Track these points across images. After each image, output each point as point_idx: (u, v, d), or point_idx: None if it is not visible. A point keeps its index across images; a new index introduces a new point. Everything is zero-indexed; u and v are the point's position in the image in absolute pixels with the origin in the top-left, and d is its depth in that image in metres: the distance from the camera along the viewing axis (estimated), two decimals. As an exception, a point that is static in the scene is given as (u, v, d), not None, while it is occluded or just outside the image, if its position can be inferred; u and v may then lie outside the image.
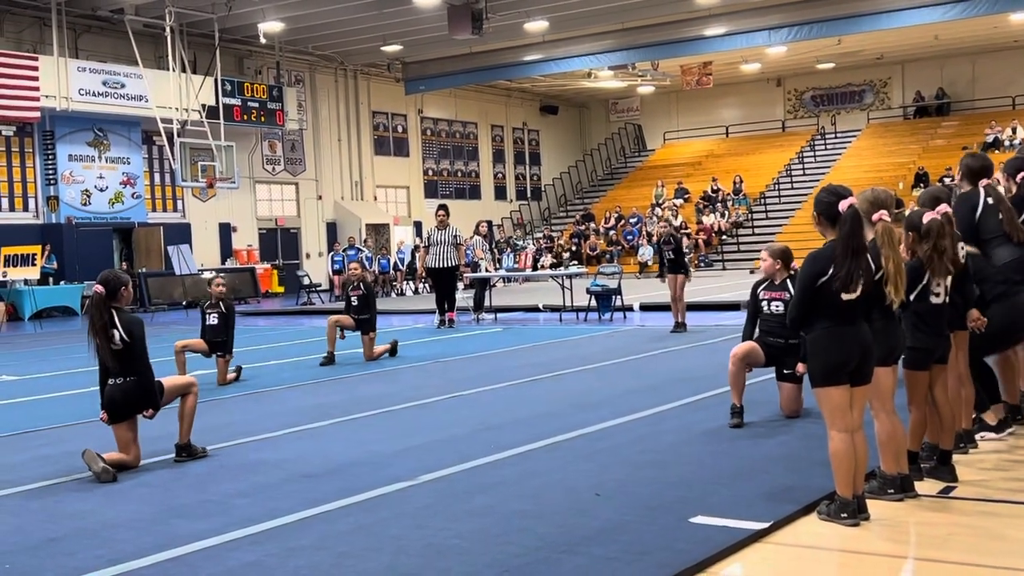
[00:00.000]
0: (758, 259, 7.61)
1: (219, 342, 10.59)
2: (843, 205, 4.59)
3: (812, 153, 37.35)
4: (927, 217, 5.11)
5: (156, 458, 6.77)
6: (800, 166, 36.42)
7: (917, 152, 34.64)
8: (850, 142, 37.59)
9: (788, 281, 7.25)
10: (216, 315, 10.65)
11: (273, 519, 5.11)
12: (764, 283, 7.49)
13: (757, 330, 7.48)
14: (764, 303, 7.39)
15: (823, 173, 34.62)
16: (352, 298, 12.43)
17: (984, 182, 6.24)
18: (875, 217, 4.75)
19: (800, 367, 6.98)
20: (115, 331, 6.42)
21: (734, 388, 7.15)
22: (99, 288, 6.47)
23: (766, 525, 4.64)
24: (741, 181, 35.05)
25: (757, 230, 32.53)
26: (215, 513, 5.32)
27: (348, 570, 4.31)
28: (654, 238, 9.92)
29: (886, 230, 4.71)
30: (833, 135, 38.21)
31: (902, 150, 35.26)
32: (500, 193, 40.11)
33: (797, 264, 7.12)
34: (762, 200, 34.45)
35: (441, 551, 4.52)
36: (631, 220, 34.03)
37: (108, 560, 4.56)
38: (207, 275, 22.08)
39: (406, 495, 5.54)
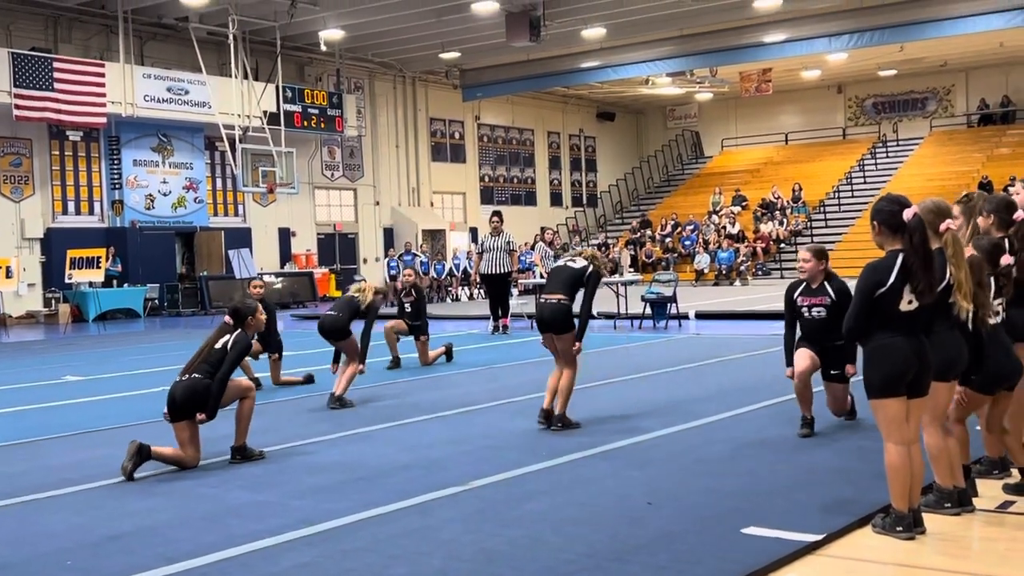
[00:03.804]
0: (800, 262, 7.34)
1: (273, 343, 10.68)
2: (907, 214, 4.52)
3: (873, 161, 36.84)
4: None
5: (215, 459, 6.89)
6: (861, 174, 35.92)
7: (981, 161, 33.99)
8: (912, 150, 37.00)
9: (826, 284, 7.05)
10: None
11: (327, 521, 5.18)
12: (799, 287, 7.20)
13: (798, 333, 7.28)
14: (804, 309, 7.10)
15: (884, 181, 34.12)
16: (405, 304, 12.55)
17: None
18: (943, 227, 4.69)
19: (850, 368, 6.86)
20: (227, 337, 6.80)
21: (802, 402, 7.07)
22: (228, 319, 6.92)
23: (819, 537, 4.61)
24: (800, 189, 34.67)
25: (816, 238, 32.12)
26: (271, 514, 5.40)
27: (398, 573, 4.36)
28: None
29: (954, 239, 4.65)
30: (895, 143, 37.65)
31: (966, 158, 34.62)
32: (556, 199, 40.11)
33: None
34: (822, 208, 34.05)
35: (492, 556, 4.54)
36: (688, 227, 33.84)
37: (166, 558, 4.66)
38: (267, 279, 22.42)
39: (458, 500, 5.58)
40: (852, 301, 4.72)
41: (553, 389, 7.73)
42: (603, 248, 34.04)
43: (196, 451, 6.68)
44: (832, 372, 7.09)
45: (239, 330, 6.86)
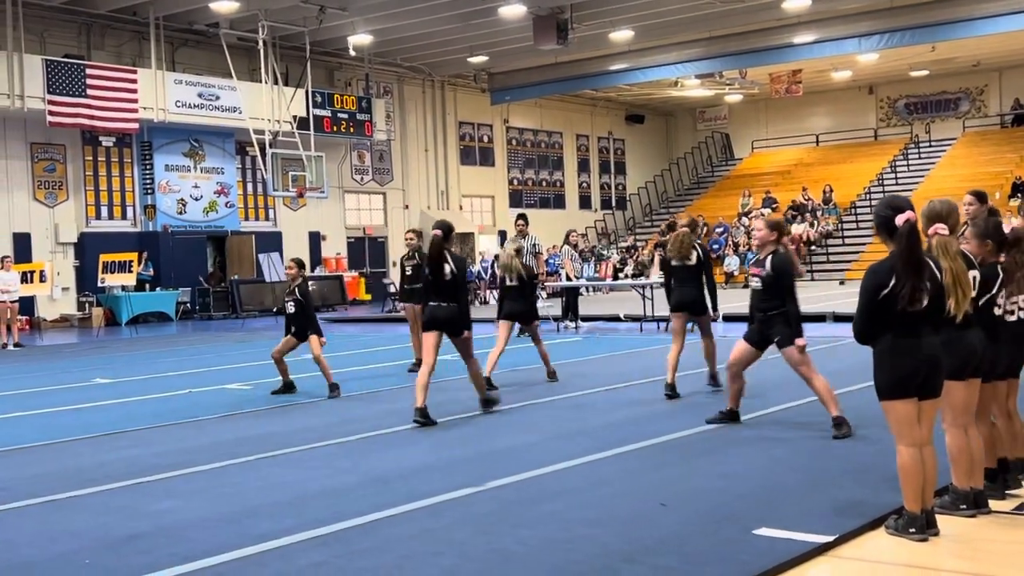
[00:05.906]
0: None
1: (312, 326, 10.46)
2: (899, 220, 4.53)
3: (905, 162, 36.52)
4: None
5: (232, 461, 6.97)
6: (893, 175, 35.63)
7: (1015, 161, 33.60)
8: (945, 151, 36.65)
9: (769, 257, 7.24)
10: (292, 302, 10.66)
11: (341, 521, 5.23)
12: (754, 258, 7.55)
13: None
14: (749, 278, 7.47)
15: (917, 182, 33.82)
16: (406, 267, 11.74)
17: None
18: (931, 231, 4.70)
19: (800, 341, 7.14)
20: (447, 265, 8.06)
21: (731, 392, 7.67)
22: (438, 232, 8.08)
23: (831, 539, 4.60)
24: (831, 191, 34.44)
25: (847, 240, 31.94)
26: (286, 514, 5.46)
27: (410, 573, 4.40)
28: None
29: (941, 243, 4.64)
30: (927, 143, 37.30)
31: (999, 159, 34.24)
32: (585, 202, 40.09)
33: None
34: (853, 210, 33.80)
35: (504, 556, 4.57)
36: (717, 230, 33.70)
37: (183, 557, 4.73)
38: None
39: (473, 501, 5.61)
40: (858, 303, 4.71)
41: (674, 365, 9.14)
42: (632, 251, 34.02)
43: (436, 356, 8.27)
44: (777, 340, 7.30)
45: (446, 250, 8.05)
